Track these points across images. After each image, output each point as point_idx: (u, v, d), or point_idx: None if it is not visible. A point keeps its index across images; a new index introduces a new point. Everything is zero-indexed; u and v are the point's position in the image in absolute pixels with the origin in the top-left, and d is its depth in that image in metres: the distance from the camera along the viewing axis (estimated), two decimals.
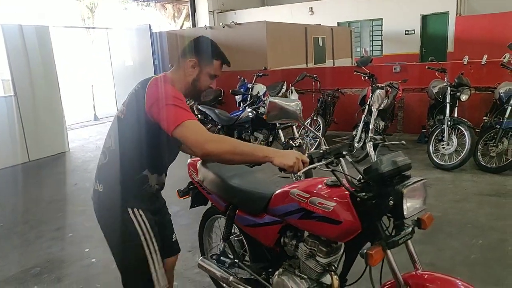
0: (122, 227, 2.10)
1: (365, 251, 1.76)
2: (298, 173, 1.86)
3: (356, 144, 6.36)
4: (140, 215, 2.12)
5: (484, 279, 3.11)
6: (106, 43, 9.54)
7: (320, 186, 2.04)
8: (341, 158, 1.98)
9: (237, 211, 2.53)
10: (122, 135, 2.09)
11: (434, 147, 5.96)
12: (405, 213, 1.76)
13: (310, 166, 1.89)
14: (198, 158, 2.81)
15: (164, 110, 1.92)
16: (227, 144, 1.91)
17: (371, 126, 6.04)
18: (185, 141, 1.93)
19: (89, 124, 11.80)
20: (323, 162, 1.90)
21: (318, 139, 6.89)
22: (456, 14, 15.36)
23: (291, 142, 5.02)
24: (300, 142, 5.05)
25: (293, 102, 2.15)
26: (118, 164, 2.08)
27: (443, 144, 5.82)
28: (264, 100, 5.74)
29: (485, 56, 7.02)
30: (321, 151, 1.93)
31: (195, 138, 1.89)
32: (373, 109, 6.09)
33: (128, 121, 2.07)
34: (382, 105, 6.13)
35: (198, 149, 1.90)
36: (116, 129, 2.11)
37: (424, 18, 16.04)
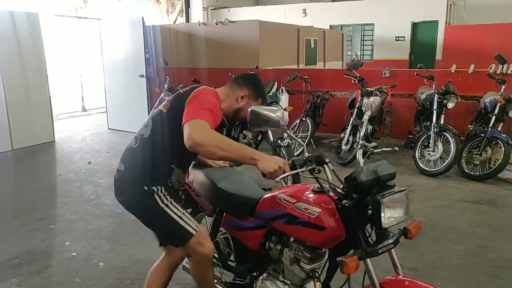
0: (145, 201, 2.23)
1: (340, 259, 1.75)
2: (276, 179, 1.90)
3: (343, 147, 6.39)
4: (163, 193, 2.24)
5: (465, 284, 3.16)
6: (98, 34, 9.41)
7: (306, 192, 2.05)
8: (325, 165, 1.99)
9: (224, 214, 2.53)
10: (159, 128, 2.25)
11: (420, 153, 6.02)
12: (383, 223, 1.75)
13: (292, 172, 1.92)
14: None
15: (197, 110, 2.05)
16: (215, 138, 1.99)
17: (361, 133, 6.05)
18: (184, 132, 2.02)
19: (76, 115, 11.69)
20: (305, 168, 1.91)
21: (306, 140, 6.91)
22: (446, 23, 15.50)
23: (279, 141, 5.01)
24: (288, 142, 5.04)
25: (276, 112, 2.15)
26: (147, 152, 2.24)
27: (429, 150, 5.88)
28: None
29: (472, 66, 7.11)
30: (304, 157, 1.94)
31: (189, 129, 1.98)
32: (365, 116, 6.11)
33: (169, 116, 2.22)
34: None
35: (188, 138, 1.97)
36: (155, 120, 2.28)
37: (415, 25, 16.15)
